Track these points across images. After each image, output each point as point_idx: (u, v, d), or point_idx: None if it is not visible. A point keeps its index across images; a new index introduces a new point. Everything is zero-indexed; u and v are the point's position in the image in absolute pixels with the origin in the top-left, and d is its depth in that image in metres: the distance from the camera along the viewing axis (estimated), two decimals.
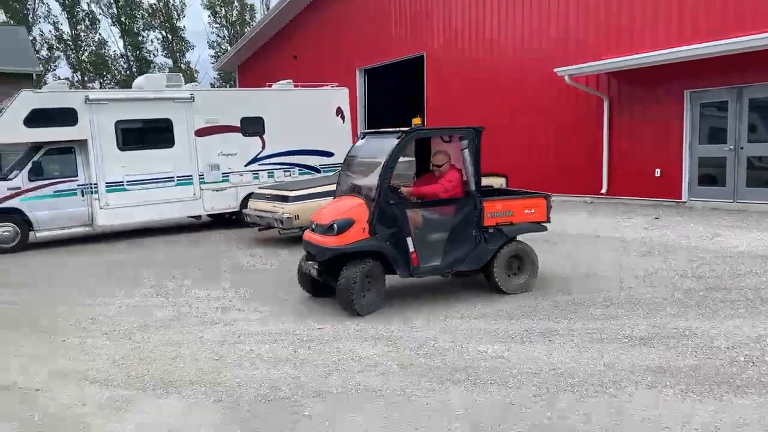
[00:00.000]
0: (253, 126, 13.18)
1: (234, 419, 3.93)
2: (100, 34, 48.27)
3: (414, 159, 7.61)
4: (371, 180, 6.17)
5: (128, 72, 47.32)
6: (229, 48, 40.34)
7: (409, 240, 6.08)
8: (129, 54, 48.22)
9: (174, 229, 13.32)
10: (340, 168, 7.73)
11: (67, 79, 41.57)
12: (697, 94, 12.00)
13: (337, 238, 5.96)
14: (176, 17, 48.81)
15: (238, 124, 13.00)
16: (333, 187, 7.44)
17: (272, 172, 13.38)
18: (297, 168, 13.64)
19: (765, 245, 8.16)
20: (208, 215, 13.28)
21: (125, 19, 47.14)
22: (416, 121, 6.38)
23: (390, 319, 5.89)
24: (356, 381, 4.44)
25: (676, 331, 5.14)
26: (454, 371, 4.53)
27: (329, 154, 13.72)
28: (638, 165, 12.90)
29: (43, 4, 45.54)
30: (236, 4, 50.64)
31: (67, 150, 11.57)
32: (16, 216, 11.21)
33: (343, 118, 14.25)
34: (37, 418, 4.08)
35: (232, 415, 3.99)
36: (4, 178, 11.27)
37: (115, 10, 46.92)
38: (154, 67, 47.46)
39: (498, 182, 9.67)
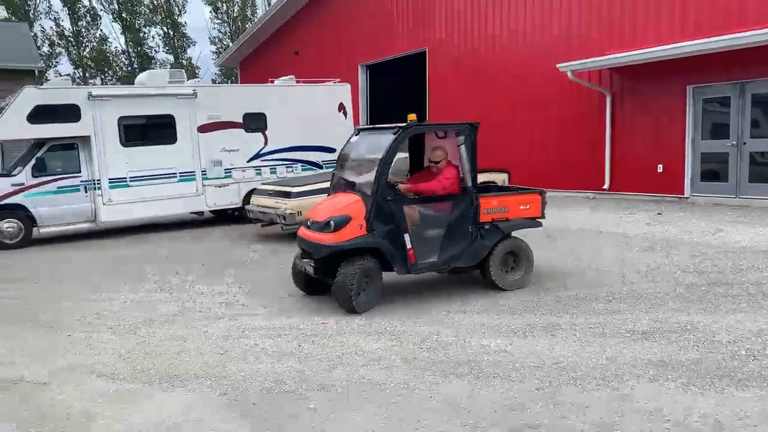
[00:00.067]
0: (255, 122, 13.20)
1: (239, 412, 3.97)
2: (101, 30, 48.43)
3: (408, 155, 7.57)
4: (368, 176, 6.09)
5: (129, 68, 47.33)
6: (230, 44, 40.28)
7: (407, 236, 6.04)
8: (130, 50, 48.21)
9: (177, 225, 13.36)
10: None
11: (69, 75, 41.66)
12: (700, 89, 12.00)
13: (333, 235, 5.93)
14: (177, 13, 48.71)
15: (241, 120, 13.02)
16: None
17: (275, 168, 13.41)
18: (299, 164, 13.67)
19: (767, 240, 8.17)
20: (211, 211, 13.31)
21: (126, 15, 47.09)
22: (411, 117, 6.29)
23: (393, 314, 5.92)
24: (360, 375, 4.47)
25: (678, 326, 5.17)
26: (457, 365, 4.56)
27: (331, 150, 13.70)
28: (641, 161, 12.91)
29: (45, 0, 45.70)
30: None
31: (70, 146, 11.61)
32: (20, 212, 11.26)
33: (345, 114, 14.28)
34: (44, 411, 4.12)
35: (238, 408, 4.03)
36: (8, 174, 11.33)
37: (116, 6, 46.91)
38: (156, 63, 47.43)
39: (500, 178, 9.68)
